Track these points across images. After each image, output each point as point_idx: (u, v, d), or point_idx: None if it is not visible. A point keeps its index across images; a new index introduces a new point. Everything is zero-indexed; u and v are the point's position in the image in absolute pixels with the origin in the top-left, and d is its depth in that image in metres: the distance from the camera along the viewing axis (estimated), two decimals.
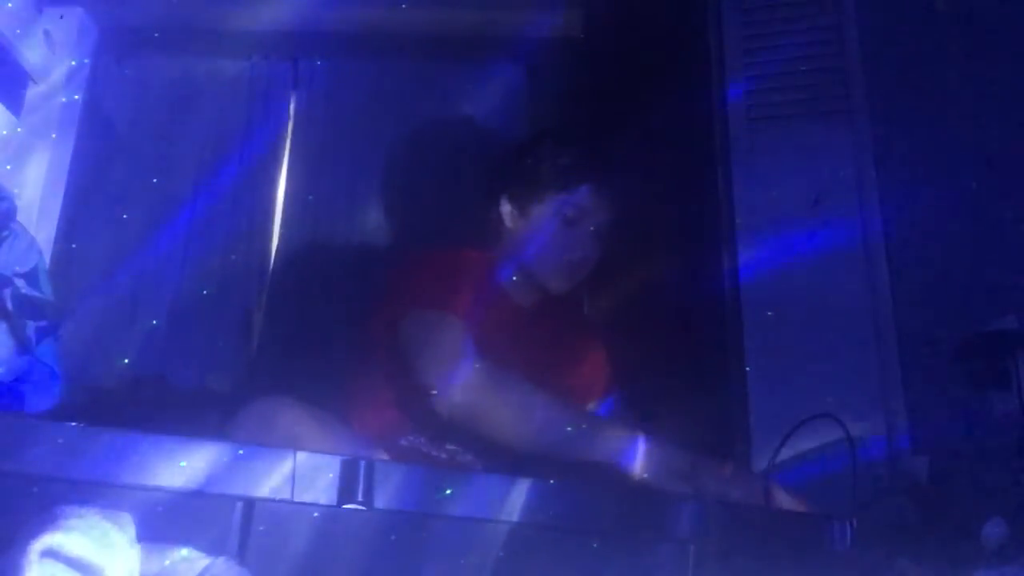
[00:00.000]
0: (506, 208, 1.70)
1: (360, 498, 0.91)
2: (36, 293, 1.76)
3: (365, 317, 1.70)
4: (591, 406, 1.75)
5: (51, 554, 0.71)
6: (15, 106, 2.22)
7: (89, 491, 0.83)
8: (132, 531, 0.78)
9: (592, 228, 1.66)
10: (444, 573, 0.96)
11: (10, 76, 2.19)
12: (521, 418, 1.38)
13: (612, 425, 1.44)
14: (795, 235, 1.93)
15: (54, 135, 2.28)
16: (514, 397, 1.40)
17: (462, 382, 1.40)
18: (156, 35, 2.48)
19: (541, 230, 1.66)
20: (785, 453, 1.46)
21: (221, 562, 0.83)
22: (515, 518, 0.99)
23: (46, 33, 2.27)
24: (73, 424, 0.87)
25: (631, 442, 1.36)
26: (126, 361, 2.32)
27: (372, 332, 1.65)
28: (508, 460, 1.38)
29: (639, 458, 1.34)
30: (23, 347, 1.72)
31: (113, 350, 2.33)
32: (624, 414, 1.75)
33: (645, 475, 1.33)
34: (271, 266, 2.46)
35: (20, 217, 1.85)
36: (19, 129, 2.20)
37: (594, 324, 1.86)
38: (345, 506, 0.91)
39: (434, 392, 1.41)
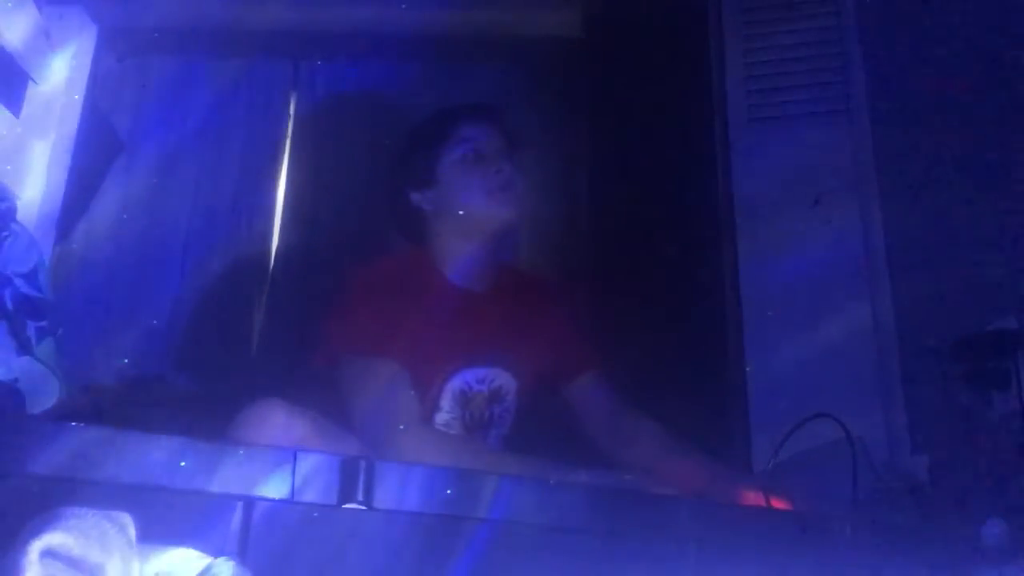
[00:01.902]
0: (416, 195, 1.72)
1: (360, 498, 0.91)
2: (36, 293, 1.76)
3: (314, 343, 1.69)
4: (577, 386, 1.74)
5: (51, 554, 0.71)
6: (15, 106, 2.22)
7: (89, 491, 0.83)
8: (132, 531, 0.78)
9: (495, 150, 1.68)
10: (444, 573, 0.96)
11: (10, 76, 2.19)
12: None
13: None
14: (795, 235, 1.93)
15: (54, 135, 2.28)
16: (440, 460, 1.40)
17: (398, 451, 1.42)
18: (156, 35, 2.49)
19: (453, 181, 1.68)
20: (785, 453, 1.46)
21: (221, 562, 0.83)
22: (515, 518, 0.99)
23: (46, 33, 2.27)
24: (73, 424, 0.87)
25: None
26: (126, 361, 2.32)
27: (315, 362, 1.64)
28: None
29: None
30: (23, 347, 1.72)
31: (113, 350, 2.34)
32: (607, 392, 1.73)
33: None
34: (271, 266, 2.46)
35: (20, 217, 1.85)
36: (19, 129, 2.20)
37: (563, 302, 1.84)
38: (345, 506, 0.91)
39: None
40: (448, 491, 0.96)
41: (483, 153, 1.68)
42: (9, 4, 2.06)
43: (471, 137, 1.69)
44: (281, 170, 2.53)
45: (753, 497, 1.37)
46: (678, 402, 1.94)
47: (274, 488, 0.90)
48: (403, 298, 1.58)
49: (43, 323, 1.75)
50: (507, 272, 1.76)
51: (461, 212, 1.67)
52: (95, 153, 2.43)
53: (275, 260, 2.46)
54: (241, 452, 0.90)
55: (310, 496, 0.90)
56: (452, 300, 1.67)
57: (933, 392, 1.74)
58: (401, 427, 1.46)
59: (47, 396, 1.75)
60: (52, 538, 0.72)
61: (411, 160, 1.75)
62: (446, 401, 1.64)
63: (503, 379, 1.68)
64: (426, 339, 1.56)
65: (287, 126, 2.57)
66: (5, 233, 1.74)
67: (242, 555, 0.87)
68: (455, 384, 1.64)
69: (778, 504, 1.36)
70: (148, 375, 2.31)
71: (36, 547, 0.71)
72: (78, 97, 2.35)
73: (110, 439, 0.87)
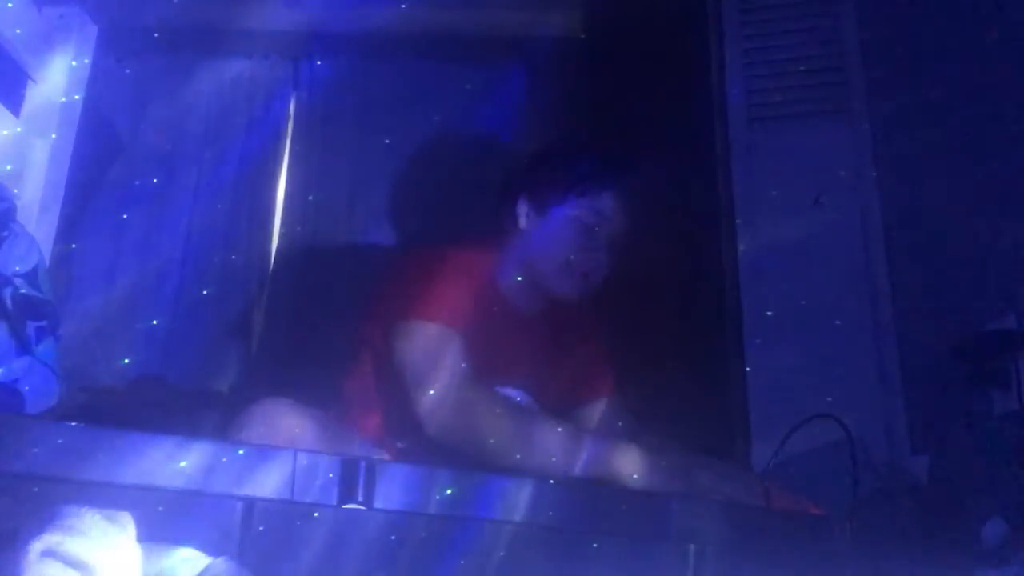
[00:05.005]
0: (523, 208, 1.69)
1: (360, 498, 0.91)
2: (36, 293, 1.76)
3: (360, 317, 1.70)
4: (591, 409, 1.74)
5: (51, 554, 0.71)
6: (15, 106, 2.22)
7: (89, 491, 0.83)
8: (132, 531, 0.78)
9: (607, 236, 1.64)
10: (444, 573, 0.96)
11: (10, 76, 2.19)
12: (510, 445, 1.38)
13: (603, 442, 1.41)
14: (795, 235, 1.93)
15: (54, 135, 2.28)
16: (503, 424, 1.41)
17: (450, 410, 1.42)
18: (156, 35, 2.48)
19: (556, 231, 1.64)
20: (785, 453, 1.46)
21: (221, 562, 0.83)
22: (515, 518, 0.99)
23: (46, 33, 2.28)
24: (73, 424, 0.87)
25: (623, 455, 1.35)
26: (126, 361, 2.32)
27: (365, 334, 1.64)
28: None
29: (633, 469, 1.34)
30: (23, 347, 1.72)
31: (113, 350, 2.33)
32: (621, 418, 1.74)
33: (642, 483, 1.33)
34: (271, 266, 2.46)
35: (20, 217, 1.85)
36: (19, 129, 2.20)
37: (595, 327, 1.84)
38: (345, 506, 0.91)
39: (423, 416, 1.43)
40: (448, 491, 0.96)
41: (597, 231, 1.64)
42: (9, 4, 2.06)
43: (602, 211, 1.64)
44: (281, 170, 2.53)
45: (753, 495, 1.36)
46: (678, 402, 1.94)
47: (274, 488, 0.90)
48: (462, 291, 1.57)
49: (43, 323, 1.76)
50: (556, 301, 1.72)
51: (539, 259, 1.65)
52: (95, 153, 2.43)
53: (275, 260, 2.46)
54: (241, 452, 0.90)
55: (310, 496, 0.90)
56: (500, 315, 1.65)
57: (933, 392, 1.74)
58: (459, 386, 1.44)
59: (47, 396, 1.75)
60: (52, 538, 0.72)
61: (544, 175, 1.70)
62: None
63: (525, 402, 1.67)
64: (469, 342, 1.54)
65: (287, 126, 2.57)
66: (5, 233, 1.75)
67: (242, 555, 0.87)
68: None
69: (789, 504, 1.35)
70: (148, 375, 2.31)
71: (36, 547, 0.71)
72: (78, 97, 2.35)
73: (110, 439, 0.87)
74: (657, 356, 2.03)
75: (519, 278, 1.67)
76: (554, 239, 1.64)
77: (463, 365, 1.48)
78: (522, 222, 1.69)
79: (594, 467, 1.35)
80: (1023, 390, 1.51)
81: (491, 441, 1.38)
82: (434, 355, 1.48)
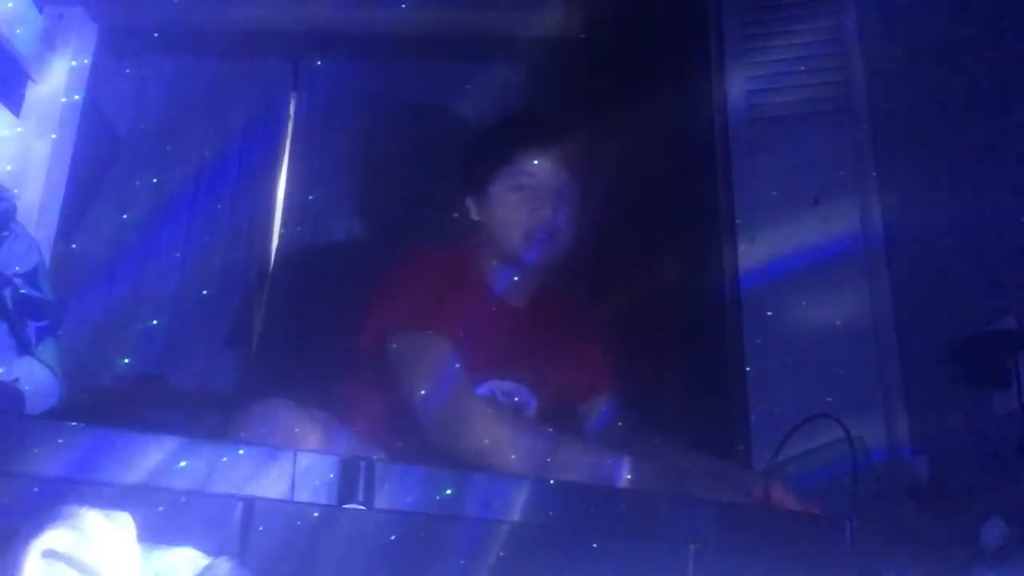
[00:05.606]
0: (470, 202, 1.73)
1: (360, 498, 0.91)
2: (36, 293, 1.76)
3: (355, 326, 1.71)
4: (590, 406, 1.75)
5: (51, 554, 0.71)
6: (15, 106, 2.22)
7: (89, 491, 0.83)
8: (132, 531, 0.78)
9: (548, 192, 1.67)
10: (444, 573, 0.96)
11: (10, 76, 2.20)
12: (503, 454, 1.41)
13: (595, 450, 1.45)
14: (795, 235, 1.93)
15: (54, 135, 2.28)
16: (500, 432, 1.43)
17: (443, 421, 1.45)
18: (156, 35, 2.49)
19: (500, 205, 1.68)
20: (785, 453, 1.46)
21: (221, 562, 0.83)
22: (515, 518, 0.99)
23: (46, 33, 2.28)
24: (73, 424, 0.87)
25: (615, 463, 1.37)
26: (126, 361, 2.32)
27: (361, 339, 1.65)
28: None
29: (625, 477, 1.36)
30: (23, 347, 1.72)
31: (113, 350, 2.34)
32: (621, 418, 1.75)
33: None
34: (271, 266, 2.46)
35: (20, 217, 1.85)
36: (19, 129, 2.20)
37: (593, 323, 1.85)
38: (345, 506, 0.91)
39: (424, 425, 1.46)
40: (448, 491, 0.96)
41: (536, 190, 1.66)
42: (9, 4, 2.06)
43: (530, 171, 1.67)
44: (281, 170, 2.54)
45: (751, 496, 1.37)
46: (678, 403, 1.94)
47: (274, 488, 0.90)
48: (450, 290, 1.59)
49: (43, 323, 1.75)
50: (546, 289, 1.76)
51: (499, 239, 1.68)
52: (95, 153, 2.43)
53: (275, 260, 2.46)
54: (241, 452, 0.90)
55: (310, 496, 0.90)
56: (491, 309, 1.67)
57: (933, 392, 1.74)
58: (460, 398, 1.47)
59: (47, 396, 1.75)
60: (52, 538, 0.72)
61: (472, 164, 1.75)
62: None
63: (524, 395, 1.69)
64: (463, 338, 1.56)
65: (287, 126, 2.57)
66: (5, 233, 1.75)
67: (242, 555, 0.87)
68: (481, 391, 1.64)
69: (789, 504, 1.36)
70: (148, 375, 2.31)
71: (36, 547, 0.71)
72: (78, 97, 2.36)
73: (110, 439, 0.87)
74: (658, 356, 2.03)
75: (500, 268, 1.70)
76: (501, 213, 1.68)
77: (455, 374, 1.50)
78: (474, 215, 1.73)
79: (586, 476, 1.36)
80: (1023, 390, 1.51)
81: (484, 450, 1.41)
82: (426, 365, 1.51)
